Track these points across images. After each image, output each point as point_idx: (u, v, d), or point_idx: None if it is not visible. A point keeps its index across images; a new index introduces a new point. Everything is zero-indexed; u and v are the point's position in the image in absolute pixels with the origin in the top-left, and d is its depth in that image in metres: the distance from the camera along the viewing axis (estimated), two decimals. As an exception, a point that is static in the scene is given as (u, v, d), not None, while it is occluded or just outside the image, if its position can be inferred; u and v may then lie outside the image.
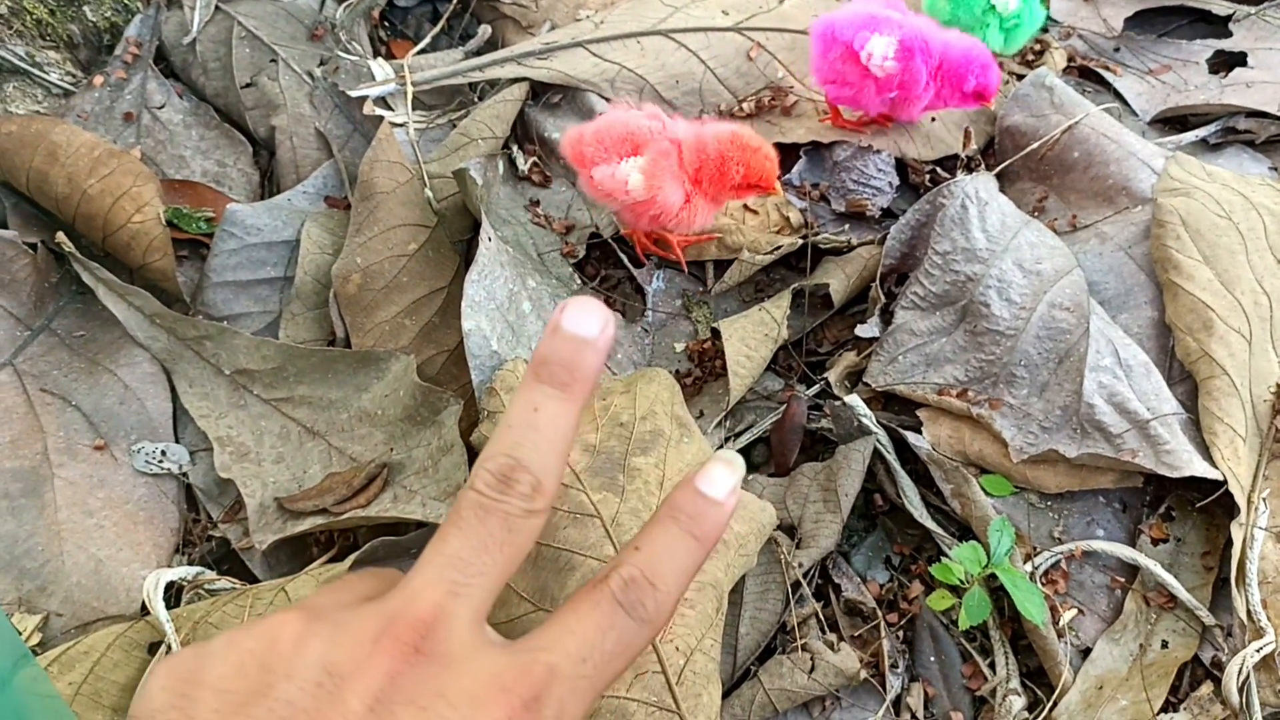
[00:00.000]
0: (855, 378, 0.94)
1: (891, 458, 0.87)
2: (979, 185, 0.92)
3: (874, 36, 0.97)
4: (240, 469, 0.87)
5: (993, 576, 0.78)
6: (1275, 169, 1.07)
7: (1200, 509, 0.84)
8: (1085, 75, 1.20)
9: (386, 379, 0.89)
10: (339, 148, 1.07)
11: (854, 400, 0.88)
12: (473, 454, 0.83)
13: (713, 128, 0.87)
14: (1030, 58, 1.21)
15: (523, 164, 1.09)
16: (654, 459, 0.81)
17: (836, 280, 0.95)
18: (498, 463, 0.41)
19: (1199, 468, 0.80)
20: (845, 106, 1.06)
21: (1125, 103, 1.16)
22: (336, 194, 1.05)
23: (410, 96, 1.10)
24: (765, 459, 0.93)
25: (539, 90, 1.13)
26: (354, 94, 1.07)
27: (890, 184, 1.04)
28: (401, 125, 1.09)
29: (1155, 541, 0.83)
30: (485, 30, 1.22)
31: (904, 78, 0.98)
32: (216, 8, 1.17)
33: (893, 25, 0.97)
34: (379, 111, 1.09)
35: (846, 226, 1.03)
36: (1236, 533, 0.79)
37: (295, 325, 0.94)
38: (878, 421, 0.88)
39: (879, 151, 1.04)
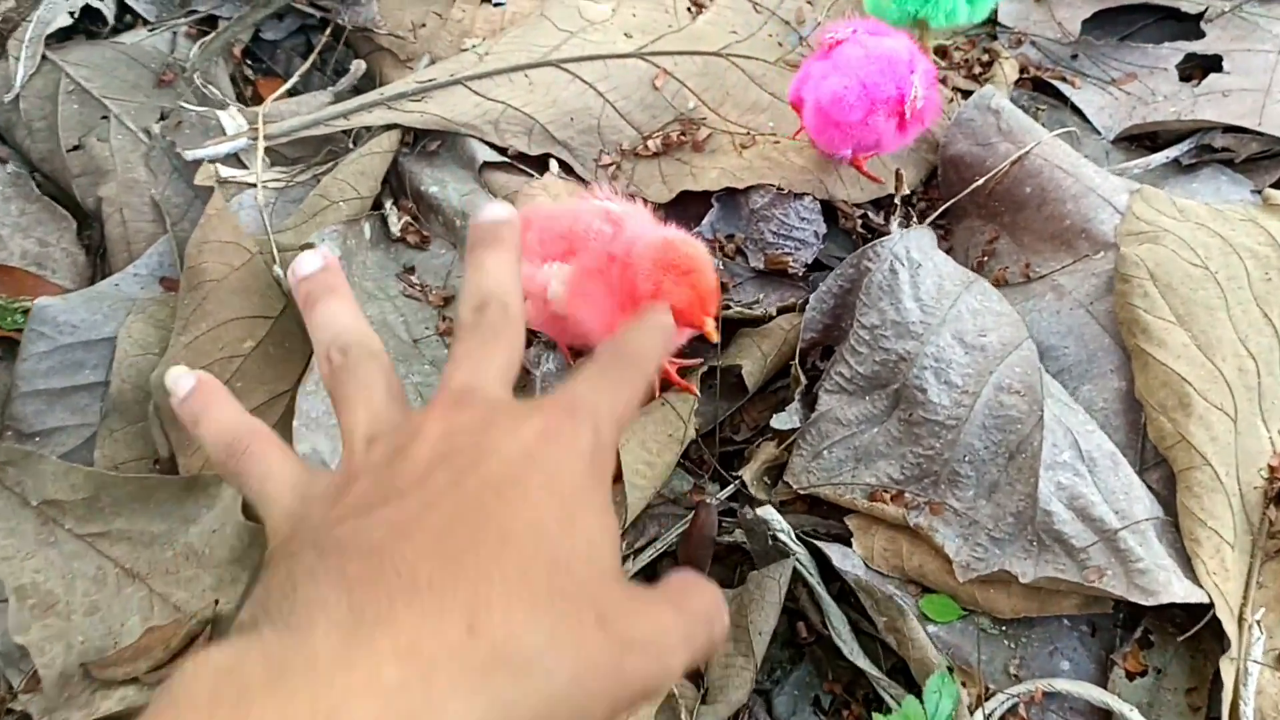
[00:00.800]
0: (776, 473, 0.80)
1: (815, 581, 0.73)
2: (910, 244, 0.78)
3: (913, 77, 0.84)
4: (41, 628, 0.73)
5: (937, 733, 0.64)
6: (1258, 192, 0.93)
7: (1185, 634, 0.70)
8: (1040, 88, 1.05)
9: (216, 510, 0.75)
10: (177, 218, 0.93)
11: (769, 513, 0.74)
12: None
13: (646, 241, 0.68)
14: (978, 70, 1.06)
15: (396, 224, 0.95)
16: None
17: (751, 360, 0.81)
18: (468, 302, 0.46)
19: (1179, 590, 0.67)
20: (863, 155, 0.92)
21: (1085, 119, 1.02)
22: (175, 274, 0.90)
23: (261, 151, 0.95)
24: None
25: (419, 135, 0.99)
26: (191, 156, 0.93)
27: (816, 233, 0.90)
28: (253, 187, 0.94)
29: (1131, 675, 0.69)
30: (359, 66, 1.07)
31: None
32: (43, 57, 1.02)
33: (905, 63, 0.85)
34: (228, 173, 0.94)
35: (765, 290, 0.88)
36: (1227, 668, 0.66)
37: (112, 444, 0.80)
38: (800, 535, 0.74)
39: (801, 196, 0.90)
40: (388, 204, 0.96)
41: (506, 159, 0.96)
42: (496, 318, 0.46)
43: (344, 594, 0.32)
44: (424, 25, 1.11)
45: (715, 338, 0.66)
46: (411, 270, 0.93)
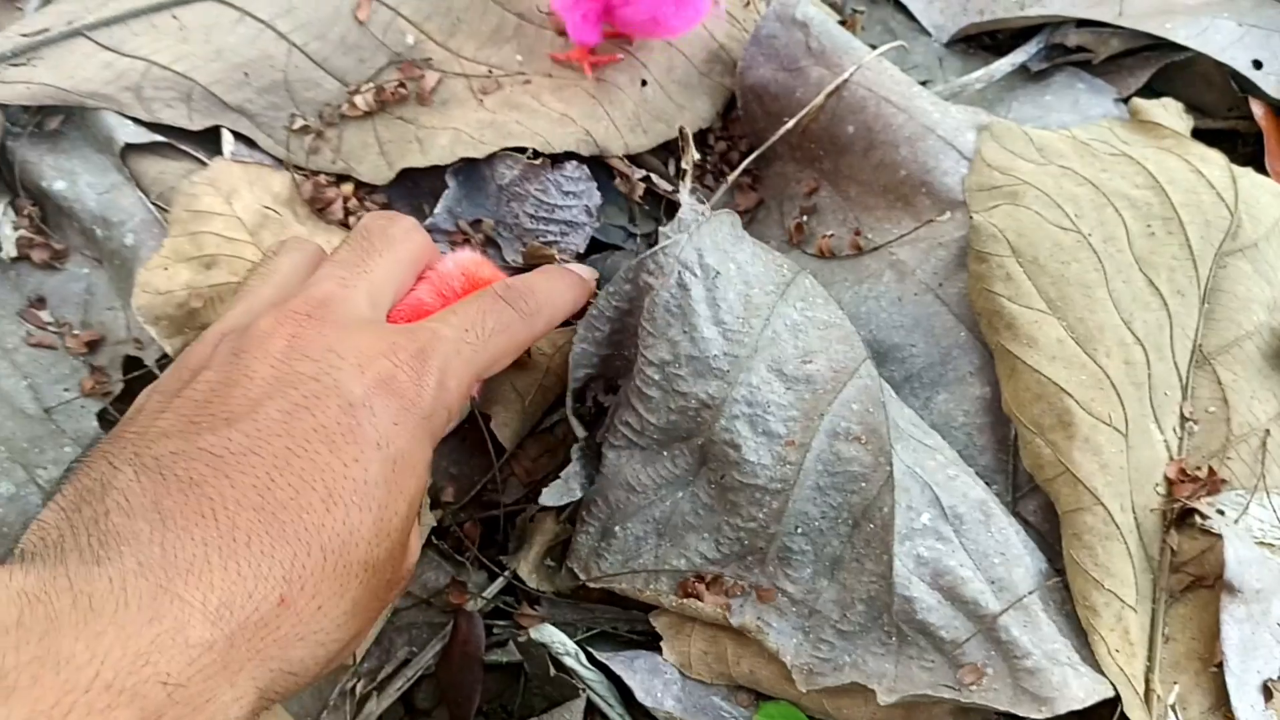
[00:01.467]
0: (561, 552, 0.61)
1: (616, 715, 0.55)
2: (704, 244, 0.57)
3: None
4: None
5: None
6: (1124, 101, 0.76)
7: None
8: (851, -16, 0.85)
9: None
10: None
11: (548, 633, 0.55)
12: None
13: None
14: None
15: (10, 238, 0.68)
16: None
17: (504, 407, 0.60)
18: (357, 229, 0.47)
19: (1078, 691, 0.51)
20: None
21: (912, 18, 0.82)
22: None
23: None
24: (434, 705, 0.59)
25: (35, 110, 0.71)
26: None
27: (588, 209, 0.69)
28: None
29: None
30: (-51, 9, 0.77)
31: None
32: None
33: None
34: None
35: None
36: (1137, 778, 0.51)
37: None
38: (593, 658, 0.55)
39: (563, 162, 0.68)
40: None
41: (160, 138, 0.69)
42: (385, 232, 0.46)
43: (158, 531, 0.32)
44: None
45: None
46: (40, 303, 0.68)
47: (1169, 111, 0.73)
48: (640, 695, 0.54)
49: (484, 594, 0.59)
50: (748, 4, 0.79)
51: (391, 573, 0.38)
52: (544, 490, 0.57)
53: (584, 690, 0.54)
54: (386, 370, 0.38)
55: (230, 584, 0.31)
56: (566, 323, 0.59)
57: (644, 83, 0.74)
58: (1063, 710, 0.51)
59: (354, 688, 0.57)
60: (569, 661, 0.55)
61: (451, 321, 0.43)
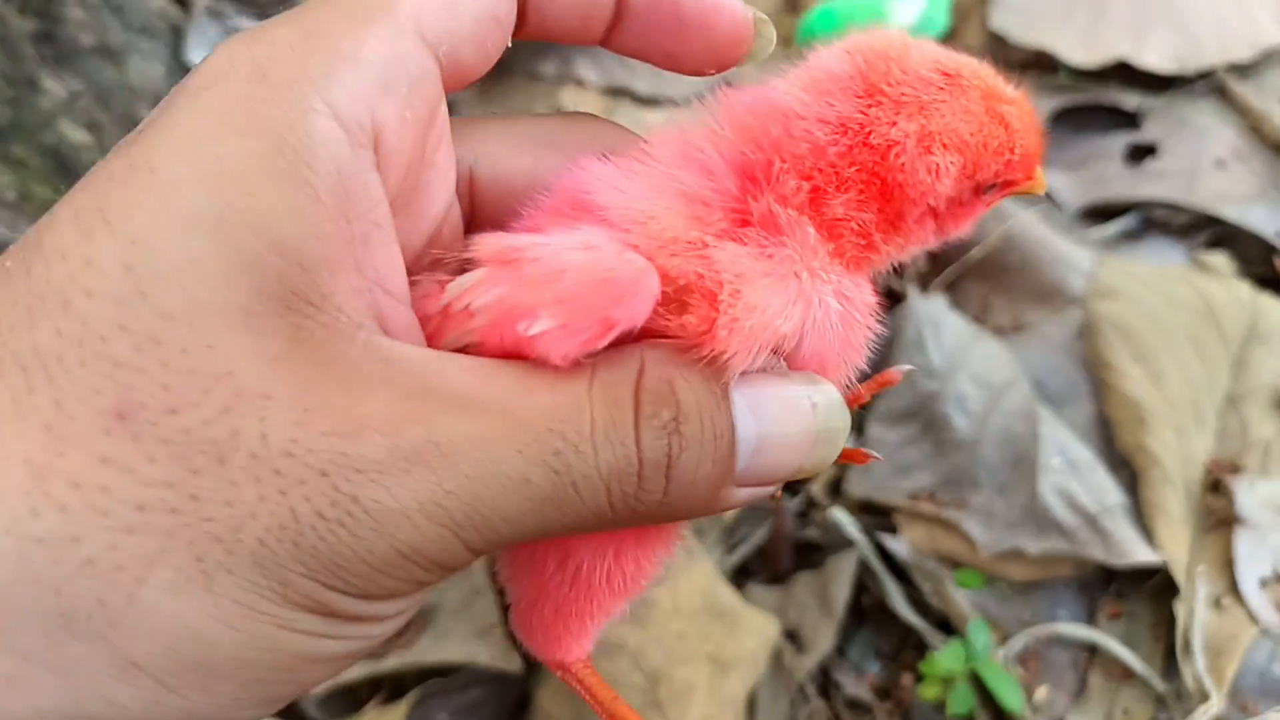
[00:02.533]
0: (834, 487, 1.05)
1: (874, 563, 0.98)
2: (931, 309, 1.03)
3: None
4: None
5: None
6: (1192, 254, 1.20)
7: (1149, 586, 0.95)
8: (1015, 171, 1.32)
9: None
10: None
11: (838, 513, 0.98)
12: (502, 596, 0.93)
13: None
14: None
15: None
16: (667, 588, 0.91)
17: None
18: None
19: (1143, 554, 0.92)
20: None
21: (1050, 197, 1.28)
22: None
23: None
24: (759, 566, 1.03)
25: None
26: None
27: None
28: None
29: (1111, 618, 0.95)
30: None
31: None
32: None
33: None
34: None
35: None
36: (1179, 608, 0.91)
37: None
38: (861, 529, 0.99)
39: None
40: None
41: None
42: None
43: None
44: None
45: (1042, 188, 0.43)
46: None
47: (1218, 262, 1.16)
48: (890, 546, 0.97)
49: (791, 503, 1.04)
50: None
51: None
52: (834, 440, 1.02)
53: (857, 545, 0.97)
54: None
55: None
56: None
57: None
58: (1132, 562, 0.91)
59: (719, 555, 1.01)
60: (849, 530, 0.98)
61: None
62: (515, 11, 0.38)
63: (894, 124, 0.37)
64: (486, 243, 0.35)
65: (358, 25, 0.33)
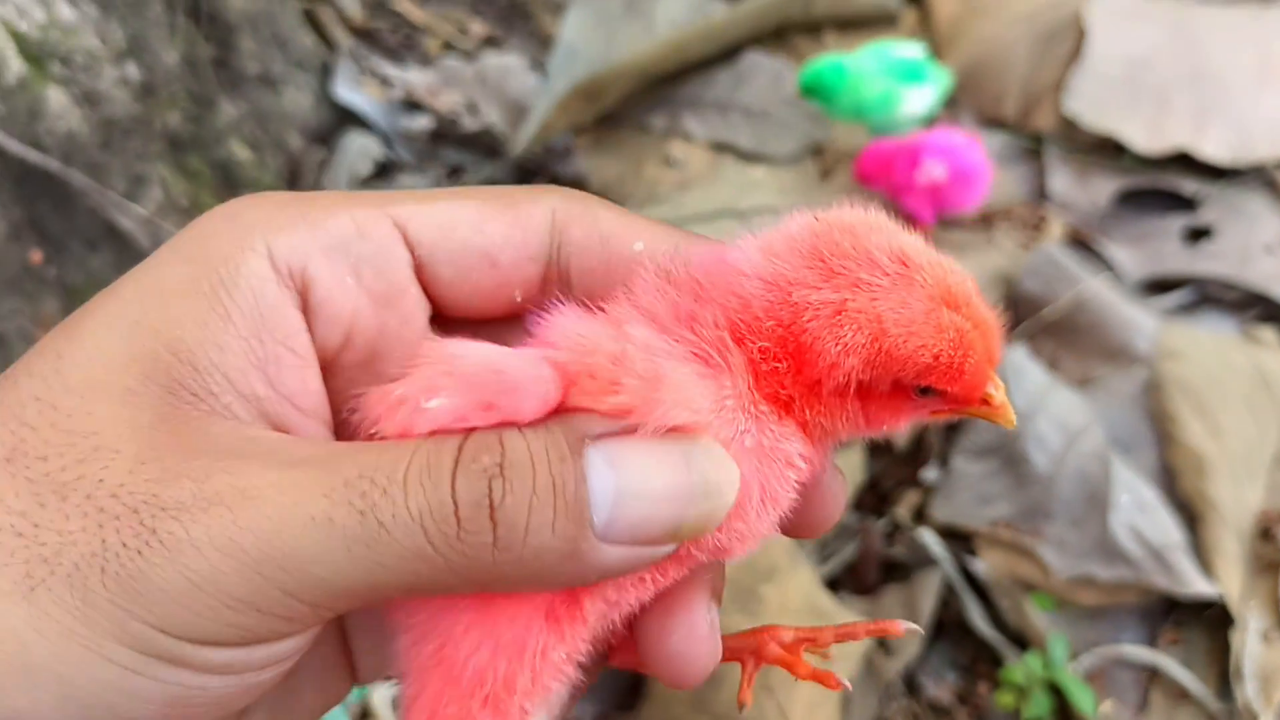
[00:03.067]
0: (918, 513, 1.16)
1: (957, 580, 1.08)
2: (1012, 357, 1.15)
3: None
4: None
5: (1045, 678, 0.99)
6: (1243, 327, 1.32)
7: (1205, 617, 1.06)
8: (1078, 243, 1.44)
9: None
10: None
11: (925, 534, 1.09)
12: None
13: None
14: (1032, 229, 1.45)
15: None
16: (775, 587, 1.01)
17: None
18: None
19: (1202, 588, 1.03)
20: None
21: (1111, 269, 1.41)
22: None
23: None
24: (847, 580, 1.13)
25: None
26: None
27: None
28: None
29: (1171, 644, 1.05)
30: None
31: None
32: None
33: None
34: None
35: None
36: (1234, 637, 1.01)
37: None
38: (946, 550, 1.09)
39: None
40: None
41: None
42: None
43: None
44: (622, 180, 1.48)
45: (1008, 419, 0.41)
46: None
47: (1266, 334, 1.28)
48: (973, 567, 1.07)
49: (878, 525, 1.15)
50: (1025, 246, 1.39)
51: None
52: (922, 471, 1.14)
53: (940, 564, 1.08)
54: None
55: None
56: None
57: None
58: (1192, 593, 1.02)
59: (817, 569, 1.12)
60: (934, 549, 1.08)
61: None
62: (526, 269, 0.42)
63: (818, 289, 0.38)
64: (432, 348, 0.38)
65: (342, 203, 0.40)
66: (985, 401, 0.40)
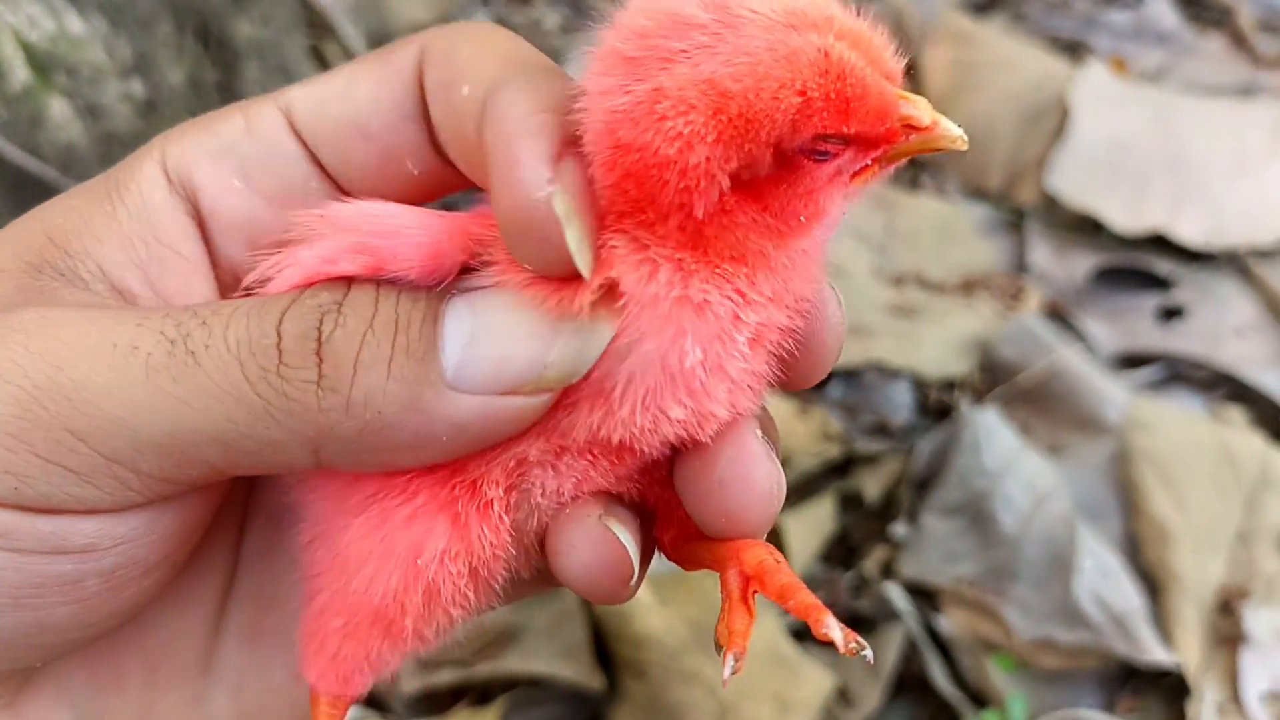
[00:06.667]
0: (885, 568, 1.16)
1: (920, 636, 1.09)
2: (985, 419, 1.17)
3: None
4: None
5: (1005, 737, 0.99)
6: (1210, 406, 1.35)
7: (1163, 686, 1.07)
8: (1054, 315, 1.47)
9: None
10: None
11: (892, 589, 1.10)
12: (594, 619, 1.03)
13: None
14: (1011, 299, 1.48)
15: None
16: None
17: (871, 484, 1.19)
18: None
19: (1161, 656, 1.03)
20: None
21: (1085, 341, 1.44)
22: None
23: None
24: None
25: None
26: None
27: (907, 405, 1.29)
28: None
29: (1129, 711, 1.05)
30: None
31: None
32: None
33: None
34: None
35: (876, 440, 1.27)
36: (1190, 707, 1.02)
37: None
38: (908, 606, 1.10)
39: (898, 377, 1.30)
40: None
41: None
42: None
43: None
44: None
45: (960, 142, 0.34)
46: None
47: (1233, 413, 1.31)
48: (936, 624, 1.08)
49: (844, 577, 1.15)
50: (1003, 315, 1.42)
51: None
52: (891, 526, 1.15)
53: (904, 619, 1.08)
54: None
55: None
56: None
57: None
58: (1151, 660, 1.02)
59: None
60: (899, 604, 1.09)
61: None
62: (403, 132, 0.37)
63: (627, 91, 0.29)
64: (334, 208, 0.34)
65: (242, 105, 0.38)
66: (908, 126, 0.32)
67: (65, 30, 1.19)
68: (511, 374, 0.31)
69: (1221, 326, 1.43)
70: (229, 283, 0.38)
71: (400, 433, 0.31)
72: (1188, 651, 1.05)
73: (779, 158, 0.30)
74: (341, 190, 0.38)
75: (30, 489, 0.30)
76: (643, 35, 0.30)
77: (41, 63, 1.17)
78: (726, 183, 0.30)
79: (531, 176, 0.29)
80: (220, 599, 0.40)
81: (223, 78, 1.33)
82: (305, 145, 0.37)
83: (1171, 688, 1.06)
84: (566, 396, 0.33)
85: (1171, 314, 1.46)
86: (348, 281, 0.32)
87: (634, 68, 0.30)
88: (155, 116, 1.24)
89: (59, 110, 1.18)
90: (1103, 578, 1.08)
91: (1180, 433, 1.22)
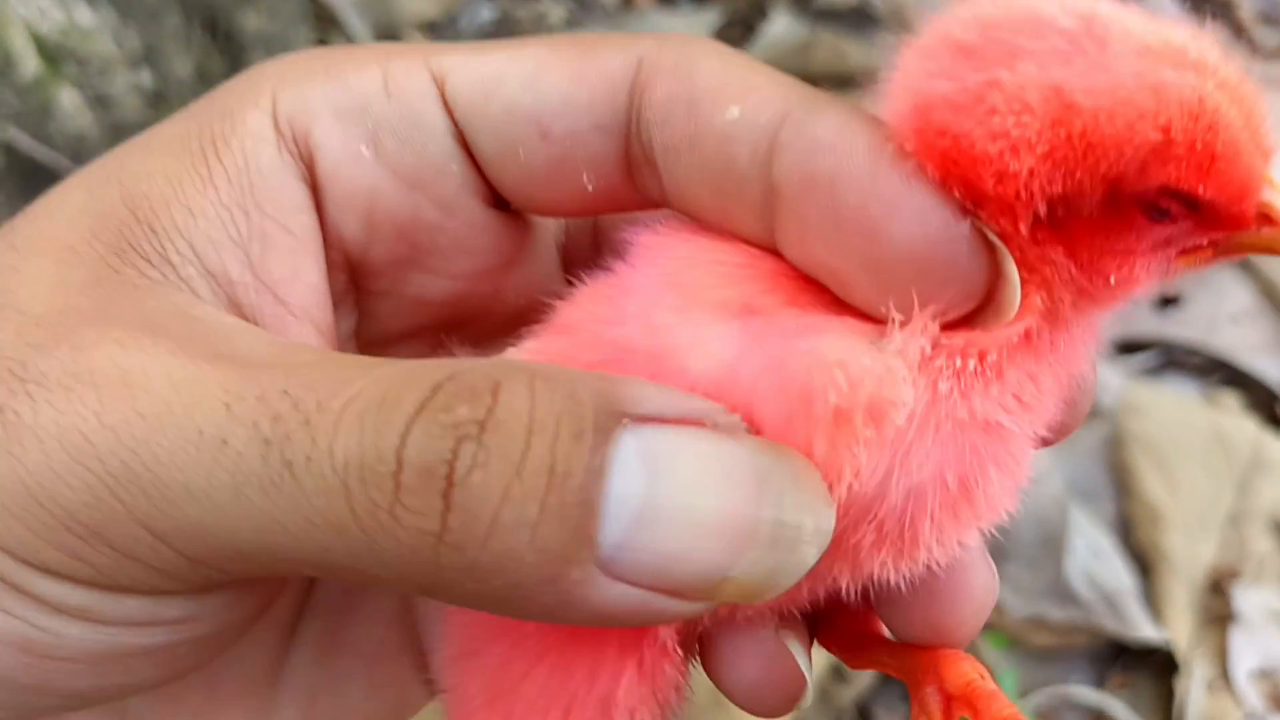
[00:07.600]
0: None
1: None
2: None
3: None
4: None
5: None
6: (1205, 391, 1.36)
7: (1153, 663, 1.08)
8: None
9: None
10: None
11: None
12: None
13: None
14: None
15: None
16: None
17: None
18: None
19: (1150, 634, 1.05)
20: None
21: (1085, 327, 1.45)
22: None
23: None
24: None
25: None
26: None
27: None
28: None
29: (1119, 687, 1.07)
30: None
31: None
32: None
33: None
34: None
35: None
36: (1178, 684, 1.04)
37: None
38: (903, 585, 1.12)
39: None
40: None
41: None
42: None
43: None
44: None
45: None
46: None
47: (1227, 399, 1.32)
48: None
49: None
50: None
51: None
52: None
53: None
54: None
55: None
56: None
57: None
58: (1141, 638, 1.04)
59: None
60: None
61: None
62: (592, 144, 0.31)
63: (957, 78, 0.26)
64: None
65: (379, 54, 0.31)
66: (1265, 216, 0.26)
67: (75, 22, 1.21)
68: (684, 577, 0.24)
69: (1218, 314, 1.44)
70: (338, 263, 0.32)
71: (529, 605, 0.25)
72: (1178, 629, 1.07)
73: (1109, 201, 0.26)
74: (486, 184, 0.32)
75: (108, 580, 0.25)
76: (988, 24, 0.26)
77: (52, 54, 1.19)
78: (1042, 209, 0.26)
79: (938, 206, 0.26)
80: (295, 610, 0.36)
81: (230, 69, 1.35)
82: (455, 123, 0.31)
83: (1161, 665, 1.08)
84: None
85: (1168, 302, 1.48)
86: (495, 389, 0.24)
87: (969, 57, 0.26)
88: (164, 107, 1.27)
89: (69, 100, 1.21)
90: (1094, 557, 1.10)
91: (1173, 417, 1.24)
